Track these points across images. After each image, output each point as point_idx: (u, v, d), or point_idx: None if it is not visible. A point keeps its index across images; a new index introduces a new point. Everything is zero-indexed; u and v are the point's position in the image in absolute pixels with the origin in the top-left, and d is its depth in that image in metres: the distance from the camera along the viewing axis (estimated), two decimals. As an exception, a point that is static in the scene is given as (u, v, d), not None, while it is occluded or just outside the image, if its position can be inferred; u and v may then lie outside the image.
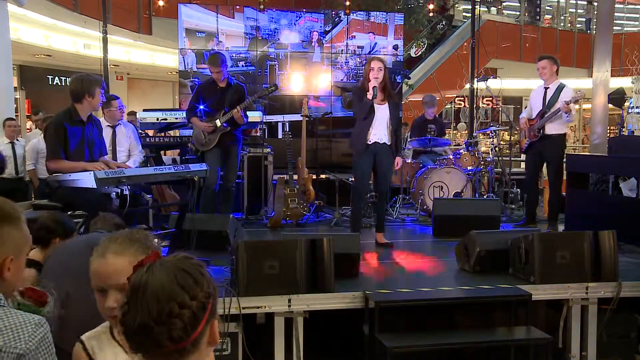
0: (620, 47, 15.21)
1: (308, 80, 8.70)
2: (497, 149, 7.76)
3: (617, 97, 10.05)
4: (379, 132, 5.19)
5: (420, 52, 14.93)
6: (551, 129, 5.94)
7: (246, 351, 3.56)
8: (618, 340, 4.08)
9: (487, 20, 15.50)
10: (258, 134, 7.33)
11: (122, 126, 5.99)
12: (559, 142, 5.99)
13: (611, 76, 10.99)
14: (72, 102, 4.28)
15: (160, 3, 12.75)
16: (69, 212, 3.91)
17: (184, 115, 6.32)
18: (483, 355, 3.91)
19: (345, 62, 8.84)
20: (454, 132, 17.23)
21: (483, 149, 9.02)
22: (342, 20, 8.86)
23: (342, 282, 3.80)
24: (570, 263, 3.94)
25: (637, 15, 22.02)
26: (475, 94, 9.35)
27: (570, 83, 6.20)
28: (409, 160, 7.45)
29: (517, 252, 4.10)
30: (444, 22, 16.14)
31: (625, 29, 19.91)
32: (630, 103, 10.77)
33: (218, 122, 5.71)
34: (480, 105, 16.25)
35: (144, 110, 7.96)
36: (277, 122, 8.44)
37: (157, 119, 7.02)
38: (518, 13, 18.12)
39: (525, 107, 6.82)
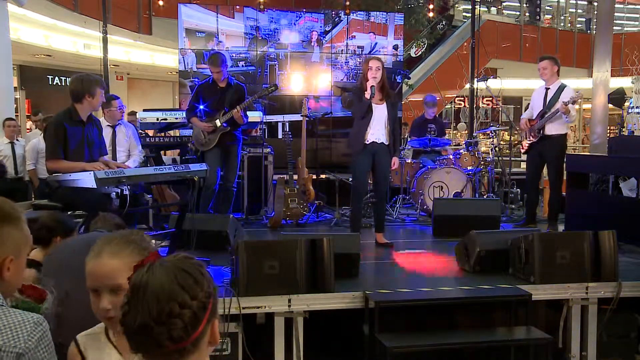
0: (620, 47, 15.21)
1: (308, 80, 8.70)
2: (497, 149, 7.77)
3: (617, 97, 10.05)
4: (376, 131, 5.19)
5: (420, 52, 14.93)
6: (551, 129, 5.94)
7: (246, 351, 3.56)
8: (618, 340, 4.08)
9: (487, 20, 15.50)
10: (258, 134, 7.33)
11: (122, 126, 6.00)
12: (560, 142, 5.99)
13: (611, 76, 10.99)
14: (72, 102, 4.28)
15: (160, 3, 12.74)
16: (69, 212, 3.91)
17: (184, 115, 6.32)
18: (483, 355, 3.91)
19: (345, 62, 8.85)
20: (454, 132, 17.23)
21: (483, 149, 9.02)
22: (342, 20, 8.86)
23: (342, 282, 3.80)
24: (570, 263, 3.94)
25: (637, 15, 22.02)
26: (475, 94, 9.35)
27: (570, 83, 6.20)
28: (409, 160, 7.46)
29: (517, 252, 4.10)
30: (444, 22, 16.14)
31: (625, 29, 19.91)
32: (630, 103, 10.77)
33: (218, 122, 5.71)
34: (480, 105, 16.25)
35: (144, 110, 7.97)
36: (277, 122, 8.44)
37: (157, 119, 7.02)
38: (518, 13, 18.12)
39: (526, 107, 6.82)
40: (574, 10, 19.01)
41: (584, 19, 18.83)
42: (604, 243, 3.98)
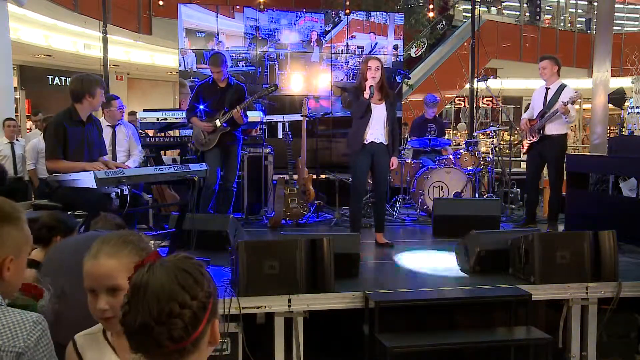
0: (620, 47, 15.20)
1: (308, 80, 8.70)
2: (497, 149, 7.77)
3: (617, 97, 10.06)
4: (375, 131, 5.19)
5: (420, 52, 14.93)
6: (551, 129, 5.94)
7: (246, 351, 3.56)
8: (618, 340, 4.08)
9: (487, 20, 15.49)
10: (258, 134, 7.33)
11: (122, 126, 5.99)
12: (560, 142, 5.98)
13: (611, 76, 10.99)
14: (72, 102, 4.28)
15: (160, 3, 12.74)
16: (69, 212, 3.91)
17: (184, 115, 6.32)
18: (483, 355, 3.91)
19: (345, 62, 8.85)
20: (454, 132, 17.23)
21: (483, 149, 9.02)
22: (342, 20, 8.86)
23: (342, 282, 3.80)
24: (570, 263, 3.94)
25: (637, 15, 22.02)
26: (475, 94, 9.35)
27: (570, 83, 6.19)
28: (409, 160, 7.46)
29: (517, 252, 4.10)
30: (444, 22, 16.14)
31: (625, 29, 19.91)
32: (630, 103, 10.76)
33: (218, 122, 5.71)
34: (480, 105, 16.25)
35: (144, 110, 7.97)
36: (277, 122, 8.44)
37: (157, 119, 7.03)
38: (518, 13, 18.12)
39: (526, 107, 6.82)
40: (574, 10, 19.01)
41: (584, 19, 18.83)
42: (604, 243, 3.98)
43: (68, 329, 1.71)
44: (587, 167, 6.31)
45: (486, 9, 17.27)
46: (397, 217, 6.89)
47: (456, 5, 17.12)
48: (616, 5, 12.82)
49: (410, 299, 3.78)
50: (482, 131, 9.44)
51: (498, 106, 15.23)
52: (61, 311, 1.98)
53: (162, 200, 6.42)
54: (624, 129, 10.52)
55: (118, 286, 1.55)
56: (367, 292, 3.68)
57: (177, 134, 7.70)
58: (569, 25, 18.71)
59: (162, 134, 7.35)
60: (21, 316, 1.48)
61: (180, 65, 8.41)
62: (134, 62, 14.06)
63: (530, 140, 6.10)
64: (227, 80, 5.83)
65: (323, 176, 7.76)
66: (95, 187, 3.55)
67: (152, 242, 4.17)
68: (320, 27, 8.75)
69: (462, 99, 18.02)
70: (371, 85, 5.08)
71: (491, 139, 9.26)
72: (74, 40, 12.18)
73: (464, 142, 8.36)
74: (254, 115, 6.86)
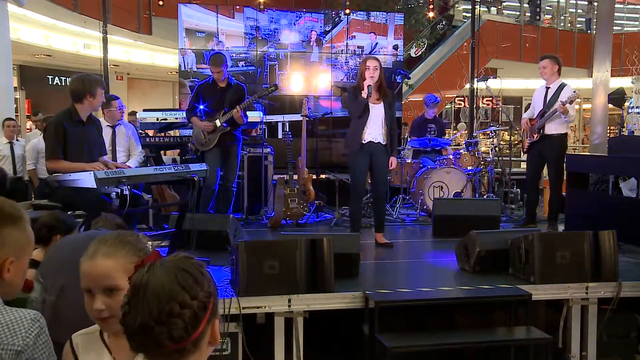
0: (620, 47, 15.21)
1: (308, 80, 8.70)
2: (497, 149, 7.77)
3: (617, 97, 10.05)
4: (373, 131, 5.18)
5: (420, 52, 14.93)
6: (551, 128, 5.93)
7: (246, 351, 3.56)
8: (618, 340, 4.08)
9: (487, 20, 15.49)
10: (258, 134, 7.33)
11: (121, 126, 5.99)
12: (560, 142, 5.98)
13: (611, 76, 10.99)
14: (72, 102, 4.28)
15: (160, 3, 12.75)
16: (69, 212, 3.91)
17: (184, 115, 6.32)
18: (483, 355, 3.91)
19: (345, 62, 8.85)
20: (454, 132, 17.23)
21: (483, 149, 9.02)
22: (342, 20, 8.86)
23: (342, 282, 3.80)
24: (570, 263, 3.94)
25: (637, 15, 22.02)
26: (475, 94, 9.35)
27: (570, 83, 6.19)
28: (409, 160, 7.46)
29: (517, 252, 4.10)
30: (444, 22, 16.14)
31: (625, 29, 19.91)
32: (630, 103, 10.76)
33: (218, 122, 5.71)
34: (480, 105, 16.25)
35: (144, 110, 7.97)
36: (277, 122, 8.44)
37: (157, 119, 7.03)
38: (518, 13, 18.12)
39: (526, 107, 6.82)
40: (574, 10, 19.01)
41: (584, 19, 18.84)
42: (604, 243, 3.97)
43: (67, 327, 1.71)
44: (587, 167, 6.31)
45: (486, 9, 17.28)
46: (397, 217, 6.89)
47: (456, 5, 17.12)
48: (616, 5, 12.83)
49: (410, 299, 3.78)
50: (482, 131, 9.44)
51: (498, 106, 15.24)
52: (60, 310, 1.98)
53: (162, 200, 6.42)
54: (624, 129, 10.51)
55: (115, 286, 1.54)
56: (367, 292, 3.68)
57: (177, 134, 7.70)
58: (569, 25, 18.71)
59: (162, 134, 7.35)
60: (19, 314, 1.48)
61: (180, 65, 8.41)
62: (134, 62, 14.06)
63: (530, 140, 6.10)
64: (227, 80, 5.83)
65: (323, 176, 7.76)
66: (95, 187, 3.55)
67: (150, 242, 4.19)
68: (320, 27, 8.75)
69: (462, 99, 18.02)
70: (369, 85, 5.07)
71: (491, 139, 9.26)
72: (74, 40, 12.18)
73: (464, 142, 8.36)
74: (254, 115, 6.86)
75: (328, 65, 8.77)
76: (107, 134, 5.63)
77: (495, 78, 13.04)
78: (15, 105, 9.73)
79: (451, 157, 7.33)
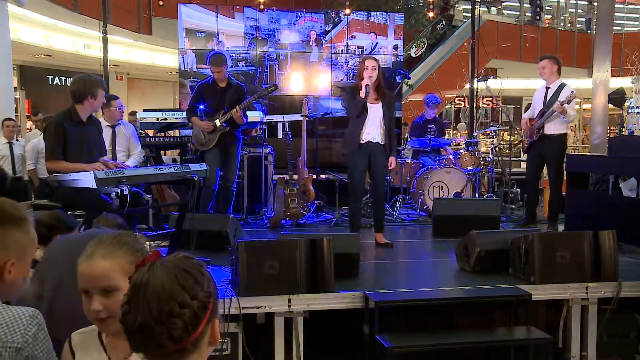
0: (620, 47, 15.20)
1: (308, 80, 8.70)
2: (497, 149, 7.77)
3: (617, 97, 10.04)
4: (372, 131, 5.18)
5: (420, 52, 14.93)
6: (551, 128, 5.93)
7: (246, 351, 3.56)
8: (618, 340, 4.08)
9: (487, 20, 15.49)
10: (258, 134, 7.33)
11: (121, 126, 5.99)
12: (559, 142, 5.98)
13: (611, 76, 10.99)
14: (72, 102, 4.27)
15: (160, 3, 12.75)
16: (69, 212, 3.91)
17: (184, 115, 6.32)
18: (483, 355, 3.91)
19: (345, 62, 8.85)
20: (454, 132, 17.22)
21: (483, 149, 9.02)
22: (342, 20, 8.86)
23: (342, 282, 3.80)
24: (570, 263, 3.94)
25: (637, 15, 22.01)
26: (475, 94, 9.35)
27: (570, 83, 6.19)
28: (409, 160, 7.46)
29: (517, 252, 4.10)
30: (444, 22, 16.14)
31: (625, 29, 19.91)
32: (630, 103, 10.76)
33: (217, 122, 5.71)
34: (480, 105, 16.24)
35: (144, 110, 7.97)
36: (277, 122, 8.44)
37: (157, 119, 7.03)
38: (518, 13, 18.12)
39: (526, 107, 6.82)
40: (574, 10, 19.00)
41: (584, 19, 18.83)
42: (604, 243, 3.98)
43: (64, 323, 1.71)
44: (587, 167, 6.31)
45: (486, 9, 17.27)
46: (397, 217, 6.89)
47: (456, 5, 17.12)
48: (616, 5, 12.83)
49: (410, 298, 3.78)
50: (482, 131, 9.44)
51: (498, 106, 15.24)
52: (57, 306, 1.98)
53: (162, 200, 6.42)
54: (624, 129, 10.50)
55: (112, 287, 1.54)
56: (367, 292, 3.68)
57: (177, 134, 7.70)
58: (569, 25, 18.71)
59: (162, 134, 7.35)
60: (17, 312, 1.48)
61: (180, 65, 8.41)
62: (134, 62, 14.05)
63: (530, 140, 6.10)
64: (227, 80, 5.83)
65: (323, 176, 7.76)
66: (95, 187, 3.55)
67: (149, 242, 4.19)
68: (320, 27, 8.75)
69: (462, 99, 18.01)
70: (367, 85, 5.07)
71: (491, 139, 9.26)
72: (74, 40, 12.17)
73: (464, 142, 8.36)
74: (254, 115, 6.86)
75: (328, 65, 8.77)
76: (107, 134, 5.63)
77: (495, 78, 13.04)
78: (15, 105, 9.73)
79: (451, 157, 7.33)
